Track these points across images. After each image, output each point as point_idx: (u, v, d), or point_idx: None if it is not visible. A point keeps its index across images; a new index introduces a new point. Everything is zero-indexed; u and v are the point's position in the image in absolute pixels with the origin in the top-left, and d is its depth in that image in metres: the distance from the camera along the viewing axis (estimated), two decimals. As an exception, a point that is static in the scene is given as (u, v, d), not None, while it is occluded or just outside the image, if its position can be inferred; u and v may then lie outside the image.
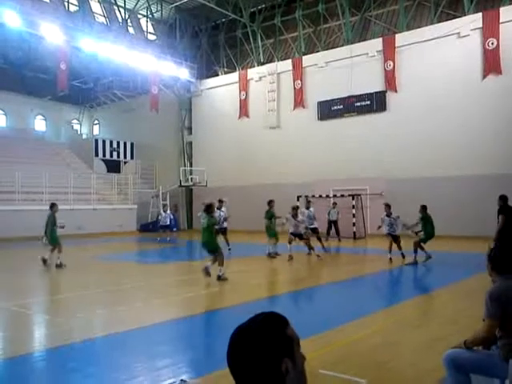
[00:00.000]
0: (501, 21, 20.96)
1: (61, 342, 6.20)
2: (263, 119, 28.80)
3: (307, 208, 16.85)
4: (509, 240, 2.83)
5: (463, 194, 21.15)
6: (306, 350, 4.86)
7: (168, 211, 23.23)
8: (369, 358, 5.44)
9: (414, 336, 6.27)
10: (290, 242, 14.85)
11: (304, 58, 27.49)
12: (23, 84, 34.49)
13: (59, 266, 13.41)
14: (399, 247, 13.88)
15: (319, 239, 16.39)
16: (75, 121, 40.95)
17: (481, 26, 21.50)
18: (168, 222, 22.30)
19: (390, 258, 13.78)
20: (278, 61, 29.11)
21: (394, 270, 12.69)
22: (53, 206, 14.02)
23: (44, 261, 13.51)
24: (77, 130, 41.02)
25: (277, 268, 14.16)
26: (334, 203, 22.28)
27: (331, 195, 24.08)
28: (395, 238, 13.95)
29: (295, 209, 15.02)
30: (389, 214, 13.93)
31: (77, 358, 5.60)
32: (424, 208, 13.30)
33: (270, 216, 15.53)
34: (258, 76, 29.40)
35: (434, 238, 13.24)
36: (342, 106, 25.70)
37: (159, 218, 23.28)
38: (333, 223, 21.77)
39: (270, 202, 15.72)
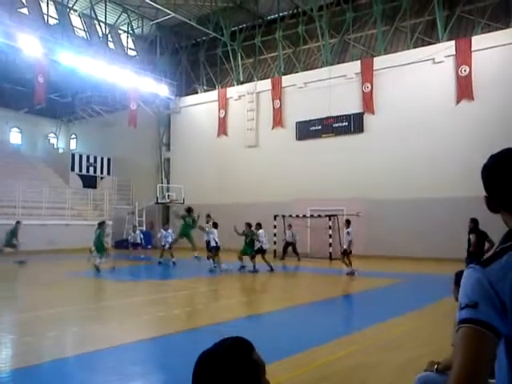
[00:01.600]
0: (473, 49, 21.66)
1: (30, 362, 6.01)
2: (242, 138, 28.92)
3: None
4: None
5: (439, 216, 21.47)
6: (282, 371, 4.86)
7: (137, 231, 23.19)
8: (345, 379, 5.42)
9: (390, 357, 6.28)
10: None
11: (283, 78, 27.84)
12: (-1, 96, 34.01)
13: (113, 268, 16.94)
14: (346, 263, 15.05)
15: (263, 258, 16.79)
16: (52, 134, 40.44)
17: (454, 53, 22.18)
18: (138, 241, 22.43)
19: (353, 272, 14.43)
20: (258, 80, 29.39)
21: (369, 292, 12.75)
22: (102, 223, 17.60)
23: (97, 268, 15.99)
24: (53, 144, 40.47)
25: (248, 287, 14.09)
26: (289, 225, 22.56)
27: (308, 215, 24.19)
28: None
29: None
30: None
31: (47, 379, 5.45)
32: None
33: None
34: (238, 95, 29.61)
35: (411, 260, 13.58)
36: (320, 127, 26.01)
37: (129, 237, 23.52)
38: (290, 244, 22.06)
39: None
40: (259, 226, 16.94)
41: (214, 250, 16.90)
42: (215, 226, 17.26)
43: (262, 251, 16.64)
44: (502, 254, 1.36)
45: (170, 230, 20.51)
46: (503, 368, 1.36)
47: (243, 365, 1.36)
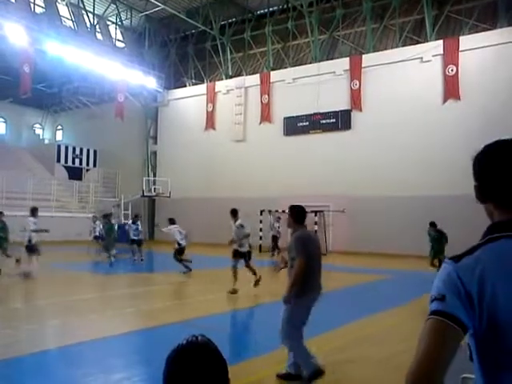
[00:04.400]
0: (460, 49, 21.85)
1: (10, 354, 5.98)
2: (229, 132, 28.86)
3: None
4: (297, 208, 5.25)
5: (424, 213, 21.60)
6: (263, 366, 4.88)
7: (97, 221, 20.31)
8: (328, 374, 5.46)
9: (372, 353, 6.35)
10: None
11: (272, 73, 27.82)
12: (-17, 85, 33.48)
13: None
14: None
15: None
16: (38, 125, 39.97)
17: (442, 52, 22.34)
18: (97, 233, 19.89)
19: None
20: (246, 75, 29.33)
21: (353, 288, 12.86)
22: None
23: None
24: (39, 135, 40.03)
25: (231, 282, 14.07)
26: (278, 218, 22.20)
27: (294, 210, 24.19)
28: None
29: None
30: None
31: (28, 372, 5.41)
32: (431, 224, 13.74)
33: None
34: (226, 89, 29.52)
35: (396, 257, 13.36)
36: (307, 123, 26.06)
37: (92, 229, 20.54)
38: (276, 238, 21.80)
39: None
40: (172, 221, 15.24)
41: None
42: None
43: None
44: (475, 250, 1.38)
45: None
46: (475, 363, 1.38)
47: (219, 363, 1.39)
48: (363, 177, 23.56)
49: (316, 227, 22.68)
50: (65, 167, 33.06)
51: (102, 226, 19.34)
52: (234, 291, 10.83)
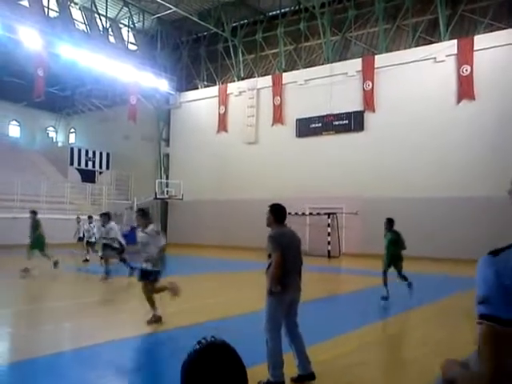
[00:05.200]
0: (475, 49, 21.57)
1: (24, 355, 5.97)
2: (241, 134, 28.82)
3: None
4: (277, 207, 5.22)
5: (438, 215, 21.42)
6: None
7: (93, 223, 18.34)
8: (341, 376, 5.38)
9: (384, 357, 6.25)
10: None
11: (284, 74, 27.74)
12: (-2, 89, 33.85)
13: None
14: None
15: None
16: (51, 128, 40.34)
17: (456, 52, 22.09)
18: (81, 234, 18.85)
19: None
20: (259, 76, 29.30)
21: (366, 291, 12.71)
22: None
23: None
24: (52, 138, 40.38)
25: (243, 285, 14.02)
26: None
27: (307, 213, 24.13)
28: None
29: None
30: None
31: (40, 374, 5.38)
32: (388, 222, 11.21)
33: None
34: (238, 91, 29.51)
35: (409, 259, 12.39)
36: (320, 124, 25.93)
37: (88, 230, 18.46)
38: None
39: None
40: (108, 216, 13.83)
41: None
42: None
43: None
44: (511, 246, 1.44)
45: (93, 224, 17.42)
46: None
47: (238, 365, 1.37)
48: (377, 178, 23.36)
49: (329, 229, 22.58)
50: (78, 170, 33.29)
51: (85, 227, 18.42)
52: (155, 319, 7.92)
